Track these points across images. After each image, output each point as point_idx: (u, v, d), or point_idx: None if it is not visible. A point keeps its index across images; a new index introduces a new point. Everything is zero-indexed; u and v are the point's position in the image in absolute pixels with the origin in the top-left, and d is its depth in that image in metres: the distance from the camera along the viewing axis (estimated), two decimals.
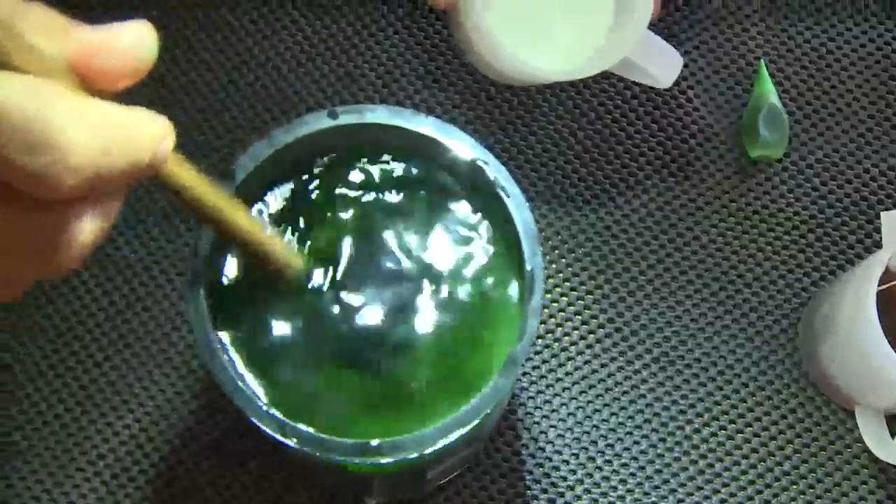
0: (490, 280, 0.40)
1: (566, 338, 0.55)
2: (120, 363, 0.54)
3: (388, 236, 0.40)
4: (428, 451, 0.37)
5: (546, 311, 0.56)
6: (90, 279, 0.55)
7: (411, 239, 0.40)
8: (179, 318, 0.54)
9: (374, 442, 0.37)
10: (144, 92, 0.58)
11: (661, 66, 0.52)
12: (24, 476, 0.52)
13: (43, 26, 0.26)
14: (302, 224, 0.40)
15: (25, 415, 0.53)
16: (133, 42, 0.28)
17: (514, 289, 0.40)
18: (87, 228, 0.28)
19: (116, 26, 0.28)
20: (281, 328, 0.39)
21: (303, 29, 0.59)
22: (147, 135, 0.28)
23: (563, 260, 0.56)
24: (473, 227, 0.40)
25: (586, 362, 0.55)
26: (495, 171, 0.39)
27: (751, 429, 0.54)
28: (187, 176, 0.32)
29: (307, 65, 0.58)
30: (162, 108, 0.56)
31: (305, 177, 0.40)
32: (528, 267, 0.38)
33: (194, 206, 0.33)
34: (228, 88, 0.58)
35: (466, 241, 0.40)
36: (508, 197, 0.39)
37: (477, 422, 0.38)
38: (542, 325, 0.55)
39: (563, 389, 0.55)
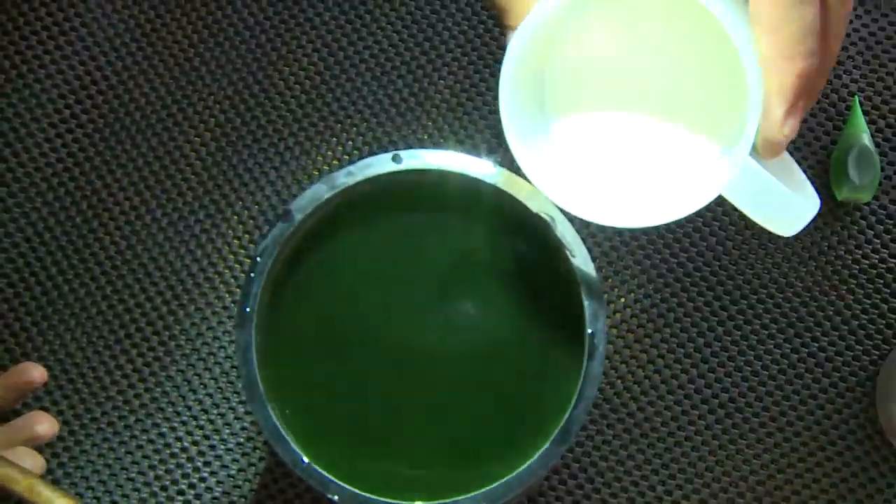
0: (551, 340, 0.38)
1: (630, 376, 0.53)
2: (175, 374, 0.53)
3: (447, 288, 0.39)
4: None
5: (610, 346, 0.54)
6: (149, 286, 0.54)
7: (471, 291, 0.39)
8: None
9: None
10: (207, 136, 0.57)
11: (771, 214, 0.37)
12: (69, 472, 0.52)
13: None
14: (359, 269, 0.39)
15: (80, 420, 0.53)
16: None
17: (575, 351, 0.38)
18: None
19: None
20: (331, 376, 0.38)
21: (367, 57, 0.58)
22: None
23: (632, 294, 0.54)
24: (536, 285, 0.39)
25: (650, 403, 0.53)
26: (562, 227, 0.37)
27: (818, 485, 0.52)
28: None
29: (372, 103, 0.57)
30: (226, 148, 0.55)
31: (367, 221, 0.39)
32: (589, 330, 0.37)
33: None
34: (293, 126, 0.56)
35: (528, 297, 0.39)
36: (574, 257, 0.37)
37: (525, 486, 0.36)
38: (606, 362, 0.53)
39: (624, 431, 0.53)
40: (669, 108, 0.38)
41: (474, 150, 0.55)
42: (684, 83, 0.37)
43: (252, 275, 0.37)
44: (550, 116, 0.38)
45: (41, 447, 0.50)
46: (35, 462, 0.47)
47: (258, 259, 0.37)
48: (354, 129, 0.56)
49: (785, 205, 0.36)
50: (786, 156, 0.39)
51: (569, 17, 0.36)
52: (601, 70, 0.37)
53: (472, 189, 0.38)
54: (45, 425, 0.47)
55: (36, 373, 0.47)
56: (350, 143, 0.56)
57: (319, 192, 0.38)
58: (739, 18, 0.34)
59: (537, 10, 0.34)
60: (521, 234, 0.39)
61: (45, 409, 0.53)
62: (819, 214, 0.55)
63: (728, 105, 0.34)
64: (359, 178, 0.38)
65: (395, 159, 0.38)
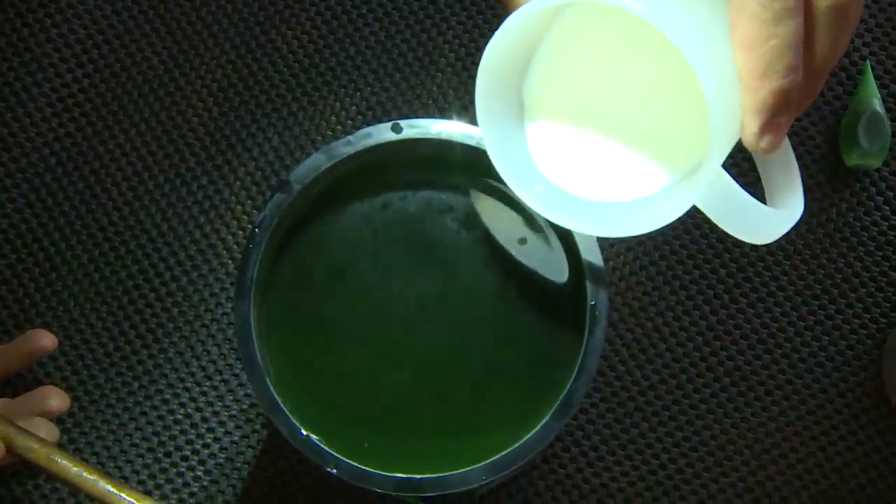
0: (553, 312, 0.38)
1: (635, 344, 0.53)
2: (178, 340, 0.53)
3: (447, 259, 0.38)
4: (471, 487, 0.36)
5: (616, 313, 0.54)
6: (152, 251, 0.54)
7: (471, 262, 0.38)
8: None
9: (418, 477, 0.36)
10: (209, 100, 0.56)
11: (743, 227, 0.36)
12: (73, 437, 0.52)
13: None
14: (358, 240, 0.38)
15: (84, 386, 0.53)
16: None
17: (577, 323, 0.38)
18: None
19: None
20: (331, 347, 0.38)
21: (370, 24, 0.57)
22: None
23: (637, 261, 0.54)
24: (538, 255, 0.38)
25: (655, 371, 0.53)
26: None
27: (823, 453, 0.52)
28: None
29: (377, 69, 0.56)
30: (229, 112, 0.54)
31: (367, 191, 0.39)
32: (591, 302, 0.36)
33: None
34: (296, 91, 0.56)
35: (530, 268, 0.38)
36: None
37: (525, 460, 0.36)
38: (611, 329, 0.53)
39: (629, 398, 0.52)
40: (644, 120, 0.37)
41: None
42: (660, 95, 0.36)
43: (251, 246, 0.37)
44: (527, 119, 0.37)
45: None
46: (50, 432, 0.48)
47: (256, 230, 0.37)
48: (358, 93, 0.55)
49: (756, 219, 0.36)
50: (788, 154, 0.38)
51: (552, 23, 0.36)
52: (579, 78, 0.37)
53: (472, 157, 0.38)
54: (57, 399, 0.48)
55: (47, 340, 0.48)
56: (354, 107, 0.55)
57: (318, 162, 0.37)
58: (715, 32, 0.33)
59: (520, 11, 0.33)
60: (522, 203, 0.39)
61: (49, 375, 0.53)
62: (828, 180, 0.54)
63: (703, 118, 0.33)
64: (358, 147, 0.37)
65: (395, 129, 0.37)
